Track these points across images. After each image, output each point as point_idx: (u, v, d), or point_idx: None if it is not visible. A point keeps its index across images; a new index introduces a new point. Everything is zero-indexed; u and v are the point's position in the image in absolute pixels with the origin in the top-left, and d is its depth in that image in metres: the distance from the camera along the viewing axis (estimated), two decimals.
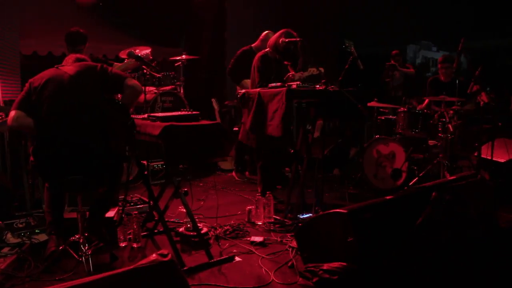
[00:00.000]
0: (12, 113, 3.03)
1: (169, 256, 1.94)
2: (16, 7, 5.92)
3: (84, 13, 6.93)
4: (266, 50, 4.64)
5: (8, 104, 4.56)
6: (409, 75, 8.10)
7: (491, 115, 5.24)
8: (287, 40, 4.31)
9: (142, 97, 5.10)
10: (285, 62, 4.58)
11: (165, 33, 8.04)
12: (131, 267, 1.84)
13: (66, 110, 3.00)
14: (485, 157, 4.88)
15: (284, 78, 4.54)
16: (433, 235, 2.90)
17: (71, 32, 4.60)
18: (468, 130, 5.37)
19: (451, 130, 5.05)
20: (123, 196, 4.12)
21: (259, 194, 4.34)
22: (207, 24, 8.25)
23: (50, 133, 3.00)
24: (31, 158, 3.07)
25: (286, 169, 5.84)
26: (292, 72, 4.56)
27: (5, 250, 3.35)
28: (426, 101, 6.04)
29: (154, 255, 1.92)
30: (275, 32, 4.64)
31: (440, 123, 5.15)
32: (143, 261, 1.89)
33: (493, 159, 4.82)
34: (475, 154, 5.02)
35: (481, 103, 5.14)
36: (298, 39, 4.31)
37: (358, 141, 6.44)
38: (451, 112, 5.13)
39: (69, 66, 3.15)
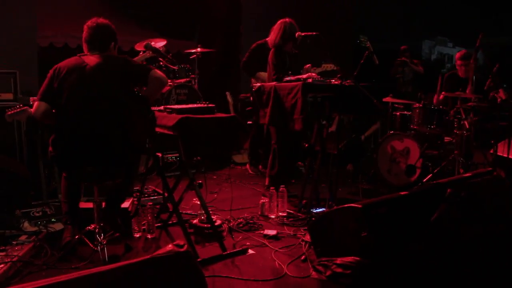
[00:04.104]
0: (36, 104, 3.06)
1: (185, 247, 1.95)
2: None
3: (100, 4, 6.97)
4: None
5: (26, 95, 4.61)
6: (417, 72, 8.05)
7: (508, 112, 5.17)
8: (303, 34, 4.38)
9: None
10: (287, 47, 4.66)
11: (179, 26, 8.04)
12: (148, 256, 1.86)
13: (85, 101, 2.99)
14: (501, 154, 4.83)
15: (301, 71, 4.59)
16: (447, 232, 2.89)
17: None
18: (484, 127, 5.31)
19: (467, 126, 4.99)
20: (138, 188, 4.18)
21: (265, 186, 4.35)
22: (222, 17, 8.25)
23: (69, 123, 3.01)
24: (50, 149, 3.08)
25: (299, 163, 5.85)
26: (308, 65, 4.59)
27: (23, 238, 3.41)
28: (442, 95, 5.98)
29: (170, 245, 1.94)
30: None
31: (456, 120, 5.10)
32: (160, 251, 1.91)
33: (510, 157, 4.76)
34: (491, 151, 4.97)
35: (498, 100, 5.08)
36: (314, 33, 4.37)
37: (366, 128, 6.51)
38: (467, 108, 5.08)
39: (91, 57, 3.10)
